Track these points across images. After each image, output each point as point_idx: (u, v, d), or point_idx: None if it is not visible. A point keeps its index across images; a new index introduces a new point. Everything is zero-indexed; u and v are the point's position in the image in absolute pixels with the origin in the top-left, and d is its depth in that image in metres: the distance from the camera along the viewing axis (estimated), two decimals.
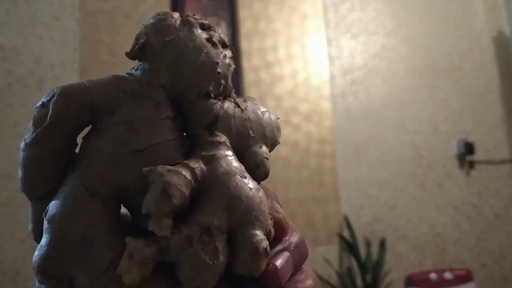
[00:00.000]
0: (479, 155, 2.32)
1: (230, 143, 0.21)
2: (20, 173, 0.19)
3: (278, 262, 0.20)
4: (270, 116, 0.23)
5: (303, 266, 0.21)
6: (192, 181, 0.18)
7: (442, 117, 2.33)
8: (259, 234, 0.19)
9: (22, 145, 0.19)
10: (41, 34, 1.96)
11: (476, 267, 2.22)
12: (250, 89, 2.11)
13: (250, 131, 0.21)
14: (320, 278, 2.02)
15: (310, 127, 2.15)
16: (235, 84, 2.08)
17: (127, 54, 0.21)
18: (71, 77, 1.96)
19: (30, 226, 0.21)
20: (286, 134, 2.12)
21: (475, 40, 2.45)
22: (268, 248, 0.19)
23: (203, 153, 0.19)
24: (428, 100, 2.33)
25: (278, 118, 0.23)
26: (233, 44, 2.10)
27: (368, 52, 2.30)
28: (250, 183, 0.20)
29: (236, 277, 0.19)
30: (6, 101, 1.88)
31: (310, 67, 2.20)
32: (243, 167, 0.20)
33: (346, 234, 2.09)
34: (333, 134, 2.18)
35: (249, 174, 0.20)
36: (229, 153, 0.20)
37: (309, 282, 0.20)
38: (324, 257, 2.05)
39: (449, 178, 2.28)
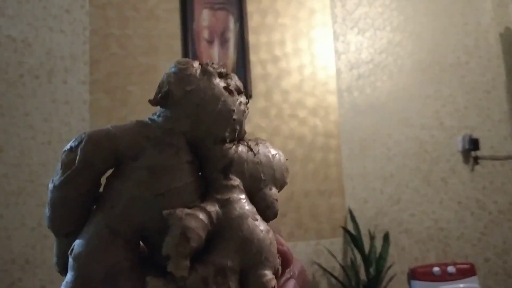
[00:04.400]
0: (484, 151, 2.33)
1: (243, 185, 0.22)
2: (47, 212, 0.21)
3: None
4: (280, 159, 0.24)
5: None
6: (209, 224, 0.20)
7: (447, 112, 2.34)
8: (268, 274, 0.20)
9: (50, 186, 0.21)
10: (51, 26, 1.99)
11: (479, 262, 2.24)
12: (257, 83, 2.13)
13: (262, 174, 0.23)
14: (323, 270, 2.05)
15: (316, 121, 2.17)
16: (242, 78, 2.10)
17: (150, 102, 0.22)
18: (81, 69, 1.98)
19: (54, 259, 0.22)
20: (292, 127, 2.14)
21: (482, 36, 2.46)
22: (276, 286, 0.21)
23: (219, 196, 0.21)
24: (433, 95, 2.34)
25: (286, 159, 0.25)
26: (241, 38, 2.12)
27: (374, 47, 2.31)
28: (261, 225, 0.21)
29: None
30: (17, 92, 1.91)
31: (316, 61, 2.22)
32: (254, 209, 0.22)
33: (350, 227, 2.11)
34: (338, 128, 2.19)
35: (259, 214, 0.22)
36: (242, 196, 0.21)
37: None
38: (328, 250, 2.07)
39: (454, 173, 2.30)
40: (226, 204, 0.21)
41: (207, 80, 0.22)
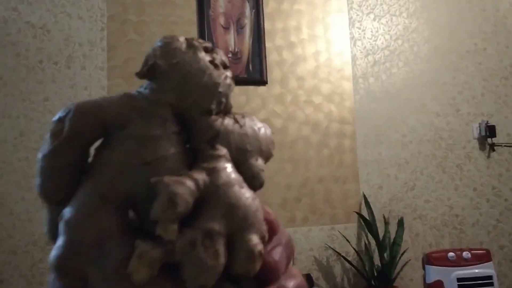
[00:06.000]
0: (500, 138, 2.31)
1: (230, 156, 0.23)
2: (37, 180, 0.21)
3: (277, 256, 0.23)
4: (265, 132, 0.25)
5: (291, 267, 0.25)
6: (196, 191, 0.20)
7: (464, 99, 2.33)
8: (255, 238, 0.21)
9: (39, 155, 0.21)
10: (70, 13, 2.01)
11: (494, 248, 2.23)
12: (272, 69, 2.13)
13: (248, 146, 0.23)
14: (338, 254, 2.06)
15: (331, 107, 2.18)
16: (258, 64, 2.11)
17: (137, 74, 0.22)
18: (99, 55, 2.01)
19: (45, 228, 0.23)
20: (307, 114, 2.15)
21: (500, 22, 2.43)
22: (263, 251, 0.21)
23: (205, 165, 0.21)
24: (450, 82, 2.33)
25: (272, 133, 0.26)
26: (257, 24, 2.13)
27: (390, 33, 2.30)
28: (247, 193, 0.22)
29: (233, 276, 0.21)
30: (36, 78, 1.95)
31: (332, 48, 2.22)
32: (241, 178, 0.22)
33: (364, 212, 2.12)
34: (353, 115, 2.20)
35: (246, 184, 0.22)
36: (229, 165, 0.22)
37: (294, 282, 0.24)
38: (342, 235, 2.09)
39: (469, 160, 2.29)
40: (212, 172, 0.21)
41: (192, 54, 0.22)
